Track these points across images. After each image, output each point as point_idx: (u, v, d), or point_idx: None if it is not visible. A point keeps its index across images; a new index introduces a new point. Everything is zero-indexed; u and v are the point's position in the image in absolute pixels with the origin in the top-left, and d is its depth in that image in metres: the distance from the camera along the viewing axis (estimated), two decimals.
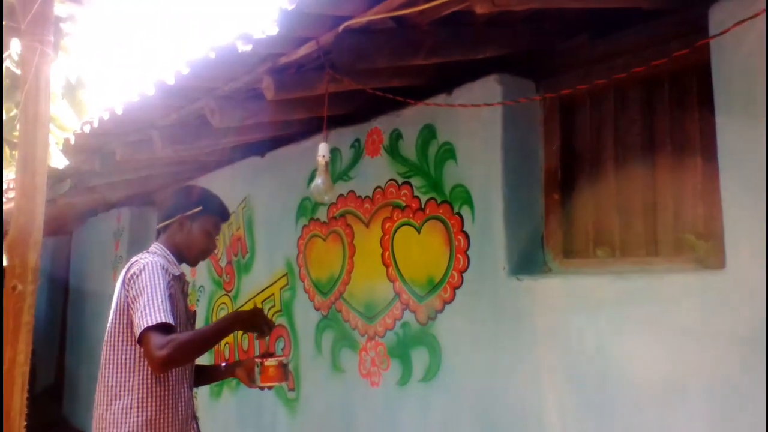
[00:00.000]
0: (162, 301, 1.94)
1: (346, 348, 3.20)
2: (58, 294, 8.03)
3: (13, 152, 4.49)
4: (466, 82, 2.65)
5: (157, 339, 1.86)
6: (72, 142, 3.55)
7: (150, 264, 2.03)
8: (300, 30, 2.16)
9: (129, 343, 2.02)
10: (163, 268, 2.06)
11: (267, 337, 2.19)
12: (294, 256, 3.64)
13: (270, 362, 2.12)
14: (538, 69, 2.59)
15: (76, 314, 7.31)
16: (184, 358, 1.97)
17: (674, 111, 2.27)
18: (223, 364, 2.40)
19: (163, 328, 1.88)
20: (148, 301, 1.92)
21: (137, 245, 5.31)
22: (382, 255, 3.01)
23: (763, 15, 1.70)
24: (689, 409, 1.90)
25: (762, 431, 1.73)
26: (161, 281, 2.00)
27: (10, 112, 4.42)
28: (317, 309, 3.42)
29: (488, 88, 2.55)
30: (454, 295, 2.64)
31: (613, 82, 2.27)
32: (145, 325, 1.87)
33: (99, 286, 6.26)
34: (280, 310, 3.72)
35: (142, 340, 1.90)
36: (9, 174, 4.99)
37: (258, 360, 2.14)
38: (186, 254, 2.24)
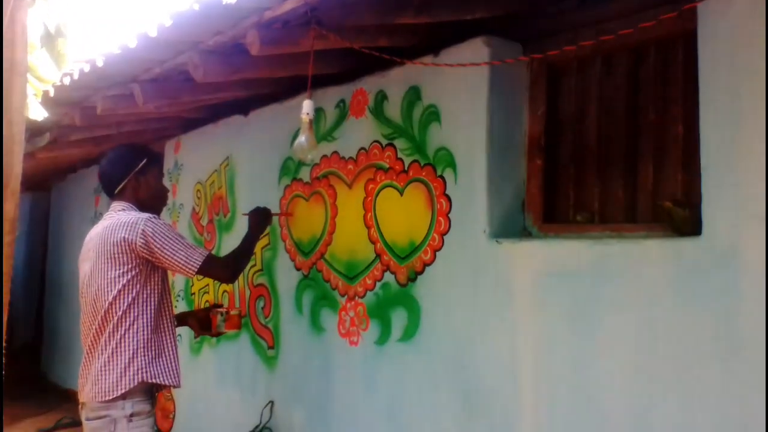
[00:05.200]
0: (189, 241, 2.42)
1: (326, 308, 3.22)
2: (37, 250, 7.96)
3: None
4: (454, 43, 2.63)
5: (217, 261, 2.47)
6: (51, 94, 3.48)
7: (153, 217, 2.40)
8: None
9: (130, 291, 2.37)
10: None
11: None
12: (276, 216, 3.63)
13: (234, 311, 2.64)
14: (526, 32, 2.57)
15: (54, 271, 7.27)
16: (243, 265, 2.69)
17: (659, 79, 2.27)
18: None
19: (210, 256, 2.42)
20: (182, 246, 2.38)
21: None
22: (364, 216, 3.02)
23: None
24: (660, 372, 1.95)
25: (737, 400, 1.78)
26: (171, 228, 2.43)
27: None
28: (298, 269, 3.44)
29: (475, 50, 2.53)
30: (435, 257, 2.66)
31: (600, 49, 2.26)
32: (201, 260, 2.39)
33: (78, 243, 6.19)
34: (261, 270, 3.73)
35: (202, 270, 2.39)
36: None
37: (222, 310, 2.64)
38: (152, 204, 2.55)
